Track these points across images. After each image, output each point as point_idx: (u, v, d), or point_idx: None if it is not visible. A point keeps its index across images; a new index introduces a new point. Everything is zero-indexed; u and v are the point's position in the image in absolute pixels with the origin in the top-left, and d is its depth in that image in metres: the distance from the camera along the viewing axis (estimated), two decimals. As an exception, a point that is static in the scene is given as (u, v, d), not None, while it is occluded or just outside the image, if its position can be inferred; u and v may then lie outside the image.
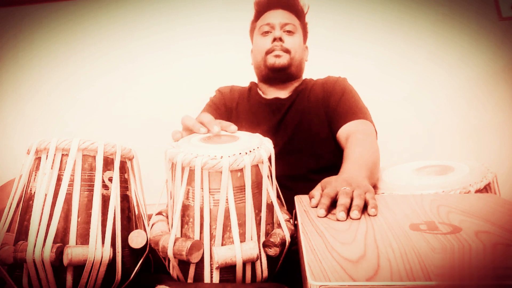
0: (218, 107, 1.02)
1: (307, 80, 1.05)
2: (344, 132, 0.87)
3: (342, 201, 0.50)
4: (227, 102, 1.04)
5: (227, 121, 0.62)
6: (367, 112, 0.92)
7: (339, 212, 0.47)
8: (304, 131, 0.92)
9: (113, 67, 1.62)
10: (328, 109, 0.94)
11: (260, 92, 1.05)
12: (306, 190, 0.67)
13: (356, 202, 0.49)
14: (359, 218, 0.47)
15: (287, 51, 0.96)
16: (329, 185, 0.56)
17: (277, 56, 0.95)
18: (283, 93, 1.01)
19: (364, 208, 0.50)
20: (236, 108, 1.02)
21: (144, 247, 0.54)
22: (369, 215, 0.49)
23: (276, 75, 0.98)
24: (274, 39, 0.95)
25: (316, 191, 0.58)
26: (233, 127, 0.61)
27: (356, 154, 0.73)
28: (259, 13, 1.04)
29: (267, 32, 0.99)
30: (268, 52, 0.96)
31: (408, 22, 1.49)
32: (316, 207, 0.54)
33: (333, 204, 0.52)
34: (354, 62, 1.47)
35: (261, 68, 1.00)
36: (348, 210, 0.49)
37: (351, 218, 0.47)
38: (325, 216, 0.49)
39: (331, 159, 0.91)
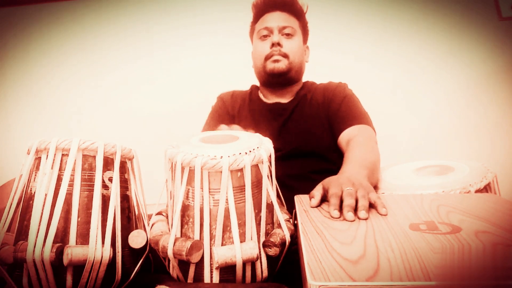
0: (221, 116, 1.02)
1: (308, 84, 1.04)
2: (345, 137, 0.87)
3: (348, 202, 0.50)
4: (229, 109, 1.03)
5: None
6: (367, 116, 0.92)
7: (347, 213, 0.47)
8: (306, 136, 0.92)
9: (114, 67, 1.62)
10: (329, 114, 0.94)
11: (262, 96, 1.05)
12: (307, 189, 0.67)
13: (362, 202, 0.50)
14: (367, 218, 0.47)
15: (285, 55, 0.95)
16: (333, 185, 0.56)
17: (276, 61, 0.95)
18: (284, 98, 1.01)
19: (371, 207, 0.50)
20: (238, 114, 1.02)
21: (144, 247, 0.54)
22: (381, 214, 0.49)
23: (276, 80, 0.98)
24: (273, 44, 0.95)
25: (317, 191, 0.58)
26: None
27: (356, 155, 0.74)
28: (257, 16, 1.04)
29: (265, 36, 0.98)
30: (267, 58, 0.96)
31: (408, 22, 1.49)
32: (316, 207, 0.54)
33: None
34: (353, 62, 1.47)
35: (261, 74, 1.00)
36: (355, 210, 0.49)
37: (359, 218, 0.47)
38: (339, 217, 0.48)
39: (333, 162, 0.91)
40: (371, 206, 0.51)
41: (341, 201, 0.52)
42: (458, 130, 1.40)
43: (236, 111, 1.02)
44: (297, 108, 0.97)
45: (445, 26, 1.47)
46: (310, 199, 0.57)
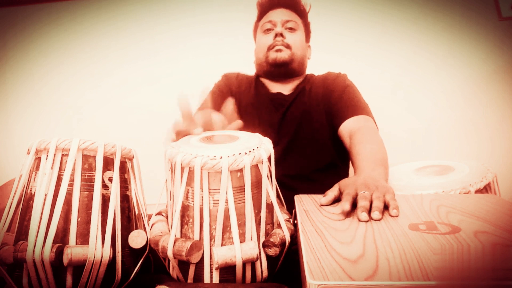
0: (223, 92, 1.01)
1: (308, 76, 1.05)
2: (347, 127, 0.87)
3: (362, 204, 0.49)
4: (233, 89, 1.03)
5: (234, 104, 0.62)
6: (368, 108, 0.92)
7: (361, 213, 0.47)
8: (306, 128, 0.93)
9: (114, 67, 1.62)
10: (329, 104, 0.94)
11: (265, 84, 1.05)
12: (307, 189, 0.67)
13: (376, 203, 0.49)
14: (380, 219, 0.46)
15: (288, 46, 0.97)
16: (348, 187, 0.56)
17: (279, 50, 0.96)
18: (285, 89, 1.02)
19: (385, 209, 0.50)
20: (240, 96, 1.01)
21: (144, 247, 0.55)
22: (390, 215, 0.48)
23: (278, 70, 0.98)
24: (276, 35, 0.97)
25: (331, 192, 0.57)
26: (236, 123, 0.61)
27: (368, 151, 0.73)
28: (261, 13, 1.06)
29: (269, 30, 1.00)
30: (270, 48, 0.97)
31: (407, 22, 1.49)
32: (324, 205, 0.55)
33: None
34: (353, 62, 1.47)
35: (263, 65, 1.00)
36: (369, 212, 0.48)
37: (372, 219, 0.47)
38: (347, 217, 0.48)
39: (330, 157, 0.91)
40: (386, 207, 0.50)
41: (355, 204, 0.51)
42: (458, 130, 1.40)
43: (241, 92, 1.02)
44: (297, 100, 0.97)
45: (445, 26, 1.47)
46: (324, 196, 0.57)
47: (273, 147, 0.57)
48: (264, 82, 1.05)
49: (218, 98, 0.98)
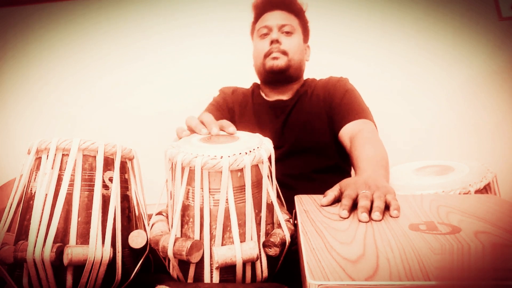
0: (220, 106, 1.03)
1: (309, 80, 1.05)
2: (347, 131, 0.87)
3: (363, 203, 0.49)
4: (228, 103, 1.04)
5: (230, 121, 0.62)
6: (369, 112, 0.92)
7: (361, 214, 0.47)
8: (308, 132, 0.93)
9: (114, 67, 1.62)
10: (330, 109, 0.94)
11: (263, 94, 1.05)
12: (308, 189, 0.67)
13: (377, 203, 0.49)
14: (381, 219, 0.46)
15: (284, 53, 0.96)
16: (349, 187, 0.55)
17: (275, 58, 0.95)
18: (285, 95, 1.02)
19: (386, 209, 0.50)
20: (238, 110, 1.02)
21: (144, 247, 0.55)
22: (391, 216, 0.48)
23: (275, 77, 0.98)
24: (272, 42, 0.96)
25: (332, 191, 0.57)
26: (232, 128, 0.60)
27: (369, 153, 0.72)
28: (257, 15, 1.05)
29: (265, 35, 0.99)
30: (266, 55, 0.96)
31: (407, 22, 1.49)
32: (325, 206, 0.54)
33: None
34: (353, 62, 1.47)
35: (261, 72, 1.00)
36: (369, 212, 0.48)
37: (372, 219, 0.46)
38: (348, 217, 0.48)
39: (333, 159, 0.91)
40: (386, 207, 0.50)
41: (356, 204, 0.51)
42: (458, 130, 1.40)
43: (236, 107, 1.03)
44: (298, 104, 0.97)
45: (445, 26, 1.47)
46: (324, 197, 0.57)
47: (275, 151, 0.57)
48: (262, 92, 1.06)
49: (216, 112, 0.99)
